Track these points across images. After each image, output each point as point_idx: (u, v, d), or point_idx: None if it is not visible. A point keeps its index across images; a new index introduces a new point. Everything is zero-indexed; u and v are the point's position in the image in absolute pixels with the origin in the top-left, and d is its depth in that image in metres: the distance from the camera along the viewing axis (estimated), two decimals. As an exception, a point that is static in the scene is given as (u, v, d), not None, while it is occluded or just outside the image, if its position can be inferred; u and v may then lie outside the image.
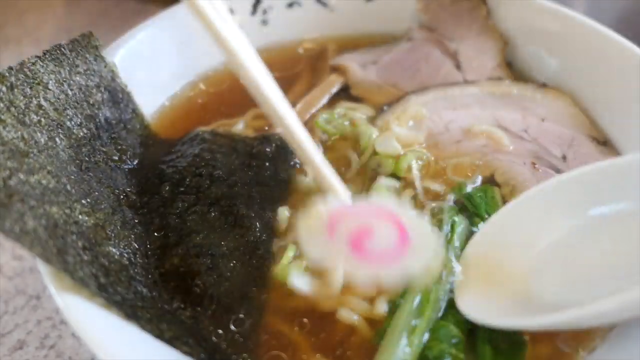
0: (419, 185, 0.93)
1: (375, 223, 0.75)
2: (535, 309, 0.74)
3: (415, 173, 0.94)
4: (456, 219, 0.85)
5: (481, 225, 0.86)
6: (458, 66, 1.14)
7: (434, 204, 0.89)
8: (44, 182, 0.73)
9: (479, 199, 0.89)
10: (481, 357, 0.74)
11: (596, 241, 0.78)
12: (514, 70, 1.13)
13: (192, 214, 0.87)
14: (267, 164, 0.94)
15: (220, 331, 0.77)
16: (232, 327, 0.77)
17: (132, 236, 0.83)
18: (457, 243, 0.83)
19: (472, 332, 0.76)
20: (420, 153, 0.97)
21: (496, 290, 0.78)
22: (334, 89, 1.13)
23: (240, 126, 1.04)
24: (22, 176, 0.69)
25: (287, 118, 0.75)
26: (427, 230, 0.76)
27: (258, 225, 0.86)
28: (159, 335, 0.72)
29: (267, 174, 0.91)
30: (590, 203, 0.80)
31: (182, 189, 0.90)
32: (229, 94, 1.14)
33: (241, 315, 0.78)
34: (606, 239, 0.77)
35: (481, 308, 0.76)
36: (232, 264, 0.82)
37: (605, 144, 0.98)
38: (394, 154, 0.95)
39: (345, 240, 0.73)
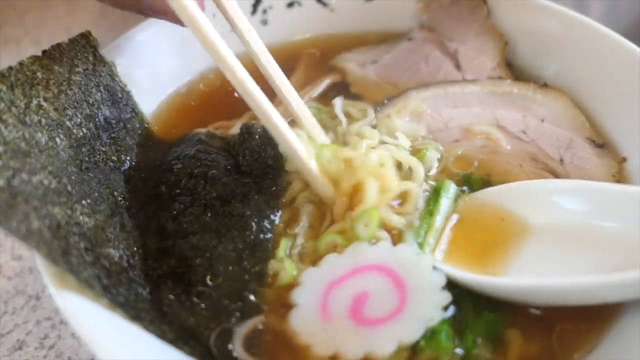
0: (432, 176, 0.94)
1: (365, 283, 0.75)
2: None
3: (435, 165, 0.95)
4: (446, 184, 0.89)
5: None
6: (458, 66, 1.14)
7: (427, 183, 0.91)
8: (45, 182, 0.73)
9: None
10: (465, 318, 0.77)
11: (581, 243, 0.81)
12: (514, 70, 1.13)
13: (188, 216, 0.86)
14: (257, 157, 0.93)
15: (220, 333, 0.77)
16: (231, 329, 0.77)
17: (130, 239, 0.83)
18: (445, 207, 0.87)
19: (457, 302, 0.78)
20: (436, 145, 0.98)
21: (481, 254, 0.83)
22: (322, 87, 1.14)
23: (237, 127, 1.03)
24: (24, 176, 0.70)
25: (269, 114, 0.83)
26: (420, 263, 0.78)
27: (254, 225, 0.85)
28: (162, 336, 0.72)
29: (256, 169, 0.91)
30: (595, 214, 0.83)
31: (178, 191, 0.90)
32: (229, 94, 1.13)
33: (240, 316, 0.78)
34: (596, 244, 0.81)
35: (462, 267, 0.80)
36: (229, 265, 0.82)
37: (603, 146, 0.98)
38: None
39: (343, 317, 0.73)
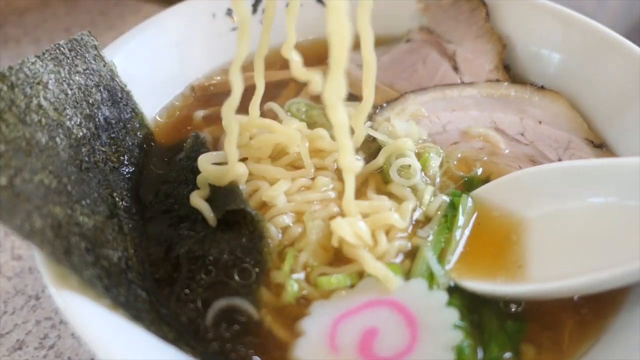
0: (438, 181, 0.94)
1: (376, 318, 0.74)
2: (528, 278, 0.79)
3: (435, 169, 0.95)
4: (460, 197, 0.89)
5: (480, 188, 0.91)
6: (455, 68, 1.14)
7: (443, 197, 0.90)
8: (46, 182, 0.73)
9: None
10: (487, 329, 0.76)
11: (585, 225, 0.82)
12: (512, 72, 1.13)
13: (184, 219, 0.87)
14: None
15: (218, 334, 0.77)
16: (230, 330, 0.77)
17: (128, 242, 0.83)
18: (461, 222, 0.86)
19: (478, 311, 0.79)
20: (437, 149, 0.98)
21: (494, 259, 0.82)
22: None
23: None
24: (26, 175, 0.70)
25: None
26: (433, 300, 0.76)
27: (250, 227, 0.85)
28: (163, 336, 0.72)
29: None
30: (589, 192, 0.83)
31: (174, 194, 0.91)
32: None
33: (238, 318, 0.78)
34: (595, 225, 0.81)
35: (480, 278, 0.80)
36: (225, 268, 0.82)
37: (602, 147, 0.99)
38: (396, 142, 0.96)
39: (352, 351, 0.71)
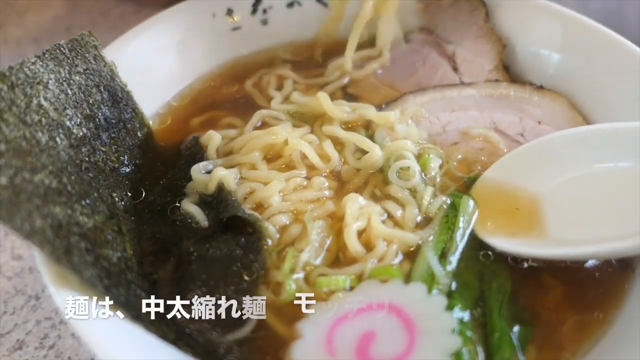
0: (438, 182, 0.94)
1: (374, 322, 0.73)
2: (546, 243, 0.82)
3: (435, 170, 0.95)
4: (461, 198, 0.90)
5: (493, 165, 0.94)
6: (455, 68, 1.14)
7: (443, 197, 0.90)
8: (46, 181, 0.73)
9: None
10: (499, 330, 0.77)
11: (599, 190, 0.84)
12: (512, 72, 1.13)
13: (183, 220, 0.88)
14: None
15: (217, 334, 0.77)
16: (228, 330, 0.77)
17: (127, 242, 0.84)
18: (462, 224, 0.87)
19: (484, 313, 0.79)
20: (437, 150, 0.98)
21: (511, 221, 0.85)
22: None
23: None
24: (26, 175, 0.70)
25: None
26: (432, 304, 0.76)
27: (249, 228, 0.86)
28: (163, 336, 0.72)
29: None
30: (596, 157, 0.86)
31: (174, 195, 0.91)
32: (229, 94, 1.14)
33: (237, 319, 0.78)
34: (607, 190, 0.83)
35: (499, 238, 0.83)
36: (224, 268, 0.82)
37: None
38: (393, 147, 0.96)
39: (349, 354, 0.71)
